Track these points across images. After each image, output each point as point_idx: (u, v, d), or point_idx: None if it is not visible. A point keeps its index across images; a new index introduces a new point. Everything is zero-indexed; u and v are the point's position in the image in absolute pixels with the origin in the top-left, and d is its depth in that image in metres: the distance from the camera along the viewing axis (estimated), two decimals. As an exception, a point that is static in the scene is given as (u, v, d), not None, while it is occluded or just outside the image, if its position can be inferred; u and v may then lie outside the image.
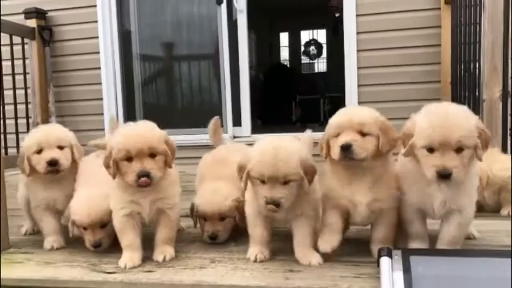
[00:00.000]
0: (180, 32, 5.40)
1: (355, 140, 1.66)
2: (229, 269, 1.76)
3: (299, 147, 1.77)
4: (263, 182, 1.67)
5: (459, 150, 1.56)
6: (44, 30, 5.13)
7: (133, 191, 1.84)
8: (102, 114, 5.18)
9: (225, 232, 2.08)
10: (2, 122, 3.56)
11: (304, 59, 11.08)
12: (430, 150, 1.58)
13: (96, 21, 5.14)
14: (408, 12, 4.52)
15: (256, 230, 1.85)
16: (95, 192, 1.98)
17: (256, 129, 5.25)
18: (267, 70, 9.32)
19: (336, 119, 1.75)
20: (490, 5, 2.86)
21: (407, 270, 1.50)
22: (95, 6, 5.14)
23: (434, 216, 1.75)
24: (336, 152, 1.69)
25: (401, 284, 1.45)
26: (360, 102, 4.64)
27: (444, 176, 1.56)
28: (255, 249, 1.85)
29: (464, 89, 3.72)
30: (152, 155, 1.78)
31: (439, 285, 1.48)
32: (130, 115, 5.34)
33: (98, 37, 5.15)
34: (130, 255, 1.85)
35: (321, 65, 11.13)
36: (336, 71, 8.89)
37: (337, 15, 6.04)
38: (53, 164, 2.03)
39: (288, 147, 1.70)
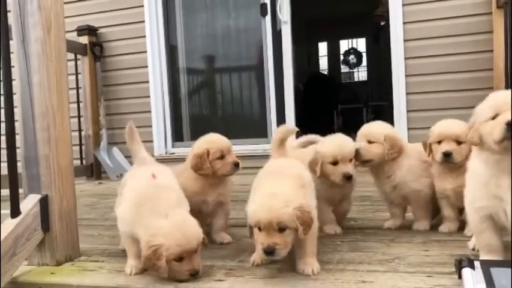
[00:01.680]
0: (224, 45, 5.49)
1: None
2: (299, 279, 1.75)
3: None
4: None
5: None
6: (95, 46, 5.34)
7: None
8: (151, 126, 5.32)
9: (284, 246, 1.69)
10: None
11: (344, 68, 11.01)
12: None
13: (145, 37, 5.31)
14: (458, 18, 4.43)
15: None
16: (187, 215, 1.87)
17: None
18: (307, 80, 9.30)
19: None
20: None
21: (490, 282, 1.45)
22: (143, 22, 5.32)
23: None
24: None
25: (485, 297, 1.40)
26: (408, 111, 4.58)
27: None
28: None
29: (522, 95, 3.60)
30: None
31: (523, 298, 1.42)
32: (177, 127, 5.45)
33: (146, 52, 5.32)
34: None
35: (361, 74, 11.03)
36: (378, 79, 8.76)
37: (382, 23, 5.97)
38: None
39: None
